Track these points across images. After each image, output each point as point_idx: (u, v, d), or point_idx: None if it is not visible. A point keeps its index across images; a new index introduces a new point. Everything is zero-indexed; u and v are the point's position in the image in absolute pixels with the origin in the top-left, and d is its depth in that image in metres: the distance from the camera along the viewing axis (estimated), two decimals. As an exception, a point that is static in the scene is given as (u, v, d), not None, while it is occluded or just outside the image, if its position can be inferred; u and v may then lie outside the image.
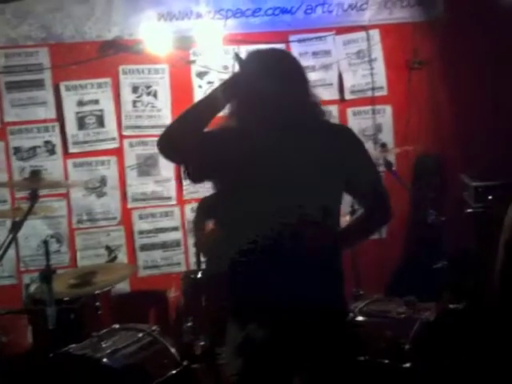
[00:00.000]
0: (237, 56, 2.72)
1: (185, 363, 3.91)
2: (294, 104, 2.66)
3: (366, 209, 2.83)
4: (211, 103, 2.67)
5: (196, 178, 3.04)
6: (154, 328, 4.09)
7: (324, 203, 2.63)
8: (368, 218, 2.82)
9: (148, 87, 5.26)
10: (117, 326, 4.08)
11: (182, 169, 5.04)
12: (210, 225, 4.27)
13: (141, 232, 5.30)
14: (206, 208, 4.50)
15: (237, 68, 2.70)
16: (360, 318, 4.09)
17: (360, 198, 2.85)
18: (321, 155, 2.63)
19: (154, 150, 5.15)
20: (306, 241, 2.57)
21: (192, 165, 2.78)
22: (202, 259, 4.62)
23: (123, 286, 5.12)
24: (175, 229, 5.34)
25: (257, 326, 2.64)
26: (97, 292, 4.14)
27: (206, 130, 2.68)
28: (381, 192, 2.82)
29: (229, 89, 2.66)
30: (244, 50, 2.85)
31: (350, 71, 5.46)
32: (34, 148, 5.14)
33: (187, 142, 2.63)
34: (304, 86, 2.75)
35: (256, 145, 2.60)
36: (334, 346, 2.69)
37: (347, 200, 2.92)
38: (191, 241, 5.19)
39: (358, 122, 5.47)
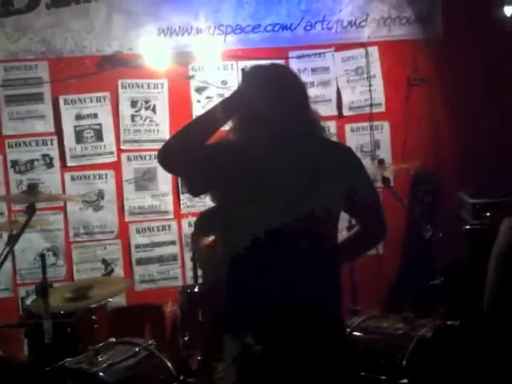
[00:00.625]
0: (244, 71, 2.75)
1: (181, 378, 3.91)
2: (295, 120, 2.68)
3: (361, 226, 2.86)
4: (213, 118, 2.69)
5: (195, 191, 3.04)
6: (150, 342, 4.08)
7: (322, 219, 2.65)
8: (364, 235, 2.86)
9: (147, 102, 5.27)
10: (113, 339, 4.06)
11: (181, 182, 5.07)
12: (208, 240, 4.26)
13: (138, 246, 5.30)
14: (203, 223, 4.49)
15: (242, 83, 2.73)
16: (357, 334, 4.09)
17: (357, 215, 2.87)
18: (320, 172, 2.65)
19: (152, 164, 5.23)
20: (306, 249, 2.59)
21: (192, 177, 2.79)
22: (199, 273, 4.62)
23: (119, 300, 5.11)
24: (172, 243, 5.33)
25: (254, 336, 2.63)
26: (93, 306, 4.14)
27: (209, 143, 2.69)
28: (377, 210, 2.84)
29: (230, 105, 2.68)
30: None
31: (348, 88, 5.49)
32: (31, 161, 5.14)
33: (188, 155, 2.63)
34: (304, 102, 2.77)
35: (256, 159, 2.60)
36: (333, 355, 2.69)
37: (345, 216, 2.93)
38: (188, 255, 5.20)
39: (355, 138, 5.49)
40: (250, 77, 2.75)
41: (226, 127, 2.74)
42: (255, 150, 2.62)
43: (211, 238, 4.21)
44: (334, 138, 3.28)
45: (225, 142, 2.73)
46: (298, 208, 2.60)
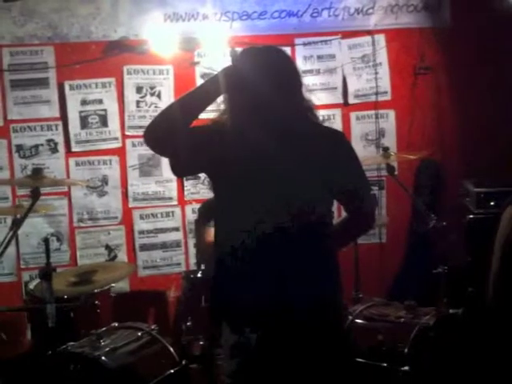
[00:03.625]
0: (233, 52, 2.71)
1: (183, 363, 3.92)
2: (287, 103, 2.65)
3: (348, 212, 2.82)
4: (201, 95, 2.65)
5: (177, 172, 2.99)
6: (152, 327, 4.09)
7: (315, 204, 2.64)
8: (351, 222, 2.82)
9: (152, 88, 5.26)
10: (116, 324, 4.08)
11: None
12: (211, 228, 4.26)
13: (141, 232, 5.31)
14: (205, 210, 4.49)
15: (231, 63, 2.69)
16: (359, 321, 4.09)
17: (344, 201, 2.82)
18: (312, 157, 2.62)
19: (157, 150, 5.22)
20: (298, 236, 2.58)
21: (175, 158, 2.73)
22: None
23: (123, 286, 5.13)
24: (176, 229, 5.34)
25: (249, 326, 2.63)
26: (96, 290, 4.14)
27: (197, 125, 2.65)
28: (365, 197, 2.80)
29: (219, 81, 2.63)
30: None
31: (354, 75, 5.46)
32: (36, 146, 5.15)
33: (174, 133, 2.58)
34: (298, 88, 2.73)
35: (247, 142, 2.58)
36: (330, 345, 2.68)
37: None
38: (192, 241, 5.21)
39: (361, 126, 5.48)
40: (242, 57, 2.71)
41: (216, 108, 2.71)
42: (245, 133, 2.59)
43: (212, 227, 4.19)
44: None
45: (214, 125, 2.70)
46: (289, 194, 2.59)
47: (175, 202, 5.33)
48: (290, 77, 2.72)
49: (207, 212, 4.41)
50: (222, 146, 2.60)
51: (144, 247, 5.32)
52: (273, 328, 2.61)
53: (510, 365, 3.42)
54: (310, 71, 5.40)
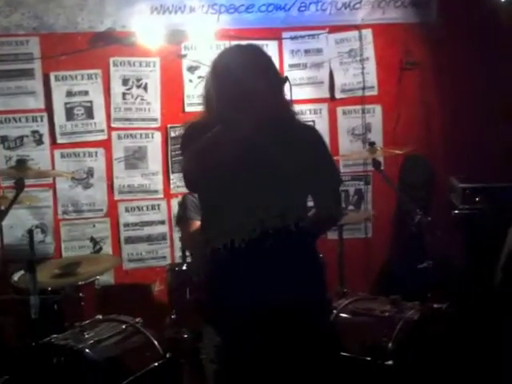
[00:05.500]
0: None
1: (168, 355, 3.90)
2: (269, 99, 2.66)
3: (316, 206, 2.85)
4: None
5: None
6: (137, 320, 4.06)
7: (297, 203, 2.72)
8: (318, 217, 2.84)
9: (138, 80, 5.24)
10: (100, 317, 4.06)
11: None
12: (196, 221, 4.24)
13: (126, 224, 5.29)
14: (187, 203, 4.46)
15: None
16: (344, 316, 4.10)
17: (313, 194, 2.84)
18: (292, 152, 2.65)
19: (143, 142, 5.23)
20: (282, 231, 2.61)
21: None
22: (188, 254, 4.61)
23: (108, 279, 5.12)
24: (161, 222, 5.33)
25: (238, 327, 2.65)
26: (81, 283, 4.13)
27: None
28: (333, 191, 2.85)
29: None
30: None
31: (341, 70, 5.46)
32: (21, 137, 5.11)
33: None
34: (279, 85, 2.74)
35: (231, 142, 2.58)
36: (315, 341, 2.70)
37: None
38: (177, 235, 5.19)
39: (347, 120, 5.48)
40: (222, 55, 2.75)
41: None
42: (228, 132, 2.59)
43: (195, 222, 4.17)
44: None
45: (200, 129, 2.69)
46: (274, 193, 2.63)
47: (161, 195, 5.32)
48: (273, 74, 2.75)
49: (189, 206, 4.38)
50: (213, 152, 2.61)
51: (129, 240, 5.30)
52: (261, 326, 2.63)
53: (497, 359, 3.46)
54: (296, 65, 5.40)
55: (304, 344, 2.66)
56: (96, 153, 5.21)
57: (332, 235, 4.76)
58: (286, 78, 2.71)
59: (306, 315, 2.66)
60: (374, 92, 5.49)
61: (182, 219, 4.41)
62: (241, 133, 2.57)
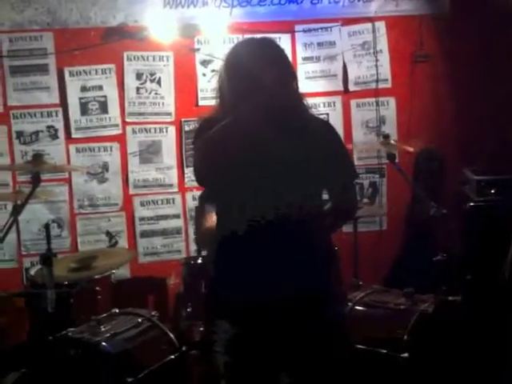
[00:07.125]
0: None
1: (183, 349, 3.92)
2: (284, 91, 2.65)
3: (331, 201, 2.84)
4: None
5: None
6: (153, 313, 4.09)
7: (312, 195, 2.70)
8: (333, 212, 2.82)
9: (152, 74, 5.25)
10: (116, 310, 4.08)
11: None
12: (213, 215, 4.25)
13: (142, 218, 5.31)
14: (205, 197, 4.47)
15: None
16: (359, 308, 4.10)
17: (328, 190, 2.83)
18: (305, 144, 2.65)
19: (157, 137, 5.25)
20: (294, 227, 2.60)
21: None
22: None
23: (123, 272, 5.14)
24: (176, 216, 5.35)
25: (245, 319, 2.65)
26: (97, 276, 4.16)
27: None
28: (348, 186, 2.84)
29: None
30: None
31: (354, 62, 5.46)
32: (36, 132, 5.14)
33: None
34: (293, 78, 2.75)
35: (245, 133, 2.57)
36: (327, 334, 2.70)
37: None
38: (192, 229, 5.21)
39: (361, 113, 5.47)
40: (236, 48, 2.75)
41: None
42: (243, 123, 2.57)
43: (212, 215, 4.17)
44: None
45: (211, 123, 2.66)
46: (289, 185, 2.62)
47: (176, 189, 5.33)
48: (287, 67, 2.74)
49: (207, 199, 4.39)
50: (226, 140, 2.60)
51: (144, 234, 5.33)
52: (274, 316, 2.62)
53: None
54: (310, 58, 5.40)
55: (316, 336, 2.66)
56: (111, 147, 5.23)
57: (347, 228, 4.76)
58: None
59: (319, 307, 2.66)
60: (388, 84, 5.47)
61: (198, 212, 4.43)
62: (254, 125, 2.56)
